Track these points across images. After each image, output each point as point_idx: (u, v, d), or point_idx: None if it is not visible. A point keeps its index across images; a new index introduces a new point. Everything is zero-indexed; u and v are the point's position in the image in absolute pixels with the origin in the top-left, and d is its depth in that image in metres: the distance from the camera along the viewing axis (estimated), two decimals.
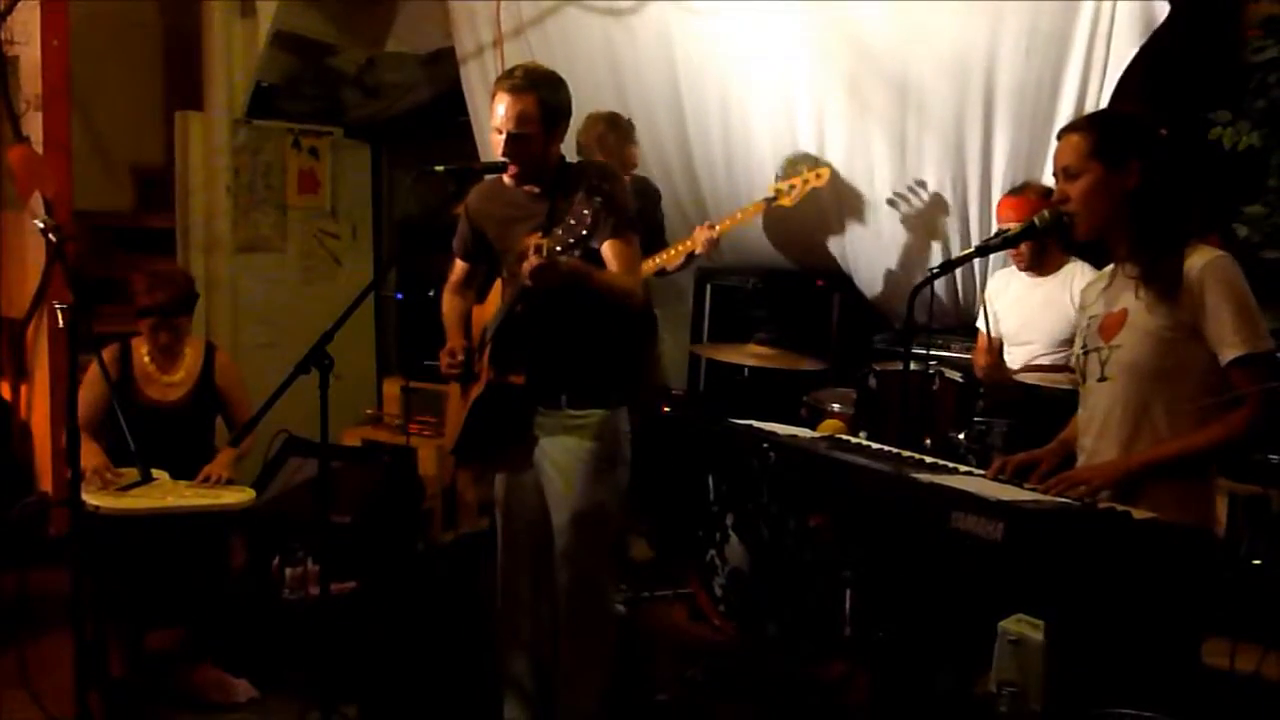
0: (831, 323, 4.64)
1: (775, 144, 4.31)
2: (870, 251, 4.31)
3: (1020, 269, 3.68)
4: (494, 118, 2.78)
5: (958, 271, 4.06)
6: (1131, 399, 2.18)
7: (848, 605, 3.51)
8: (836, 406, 3.91)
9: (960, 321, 4.21)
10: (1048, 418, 2.76)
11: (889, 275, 4.30)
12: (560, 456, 2.86)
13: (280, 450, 3.94)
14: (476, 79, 5.02)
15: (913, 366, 3.32)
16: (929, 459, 2.41)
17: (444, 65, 5.32)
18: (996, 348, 3.75)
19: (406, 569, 4.08)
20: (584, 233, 2.51)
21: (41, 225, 3.17)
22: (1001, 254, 3.59)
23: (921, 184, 4.03)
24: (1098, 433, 2.26)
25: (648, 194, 4.14)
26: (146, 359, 3.65)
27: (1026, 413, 3.27)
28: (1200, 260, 2.11)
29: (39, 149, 4.61)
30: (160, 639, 3.55)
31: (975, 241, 3.95)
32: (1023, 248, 3.53)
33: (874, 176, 4.11)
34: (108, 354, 3.52)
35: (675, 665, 3.62)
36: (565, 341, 2.82)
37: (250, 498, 3.45)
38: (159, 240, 5.34)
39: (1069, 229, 2.27)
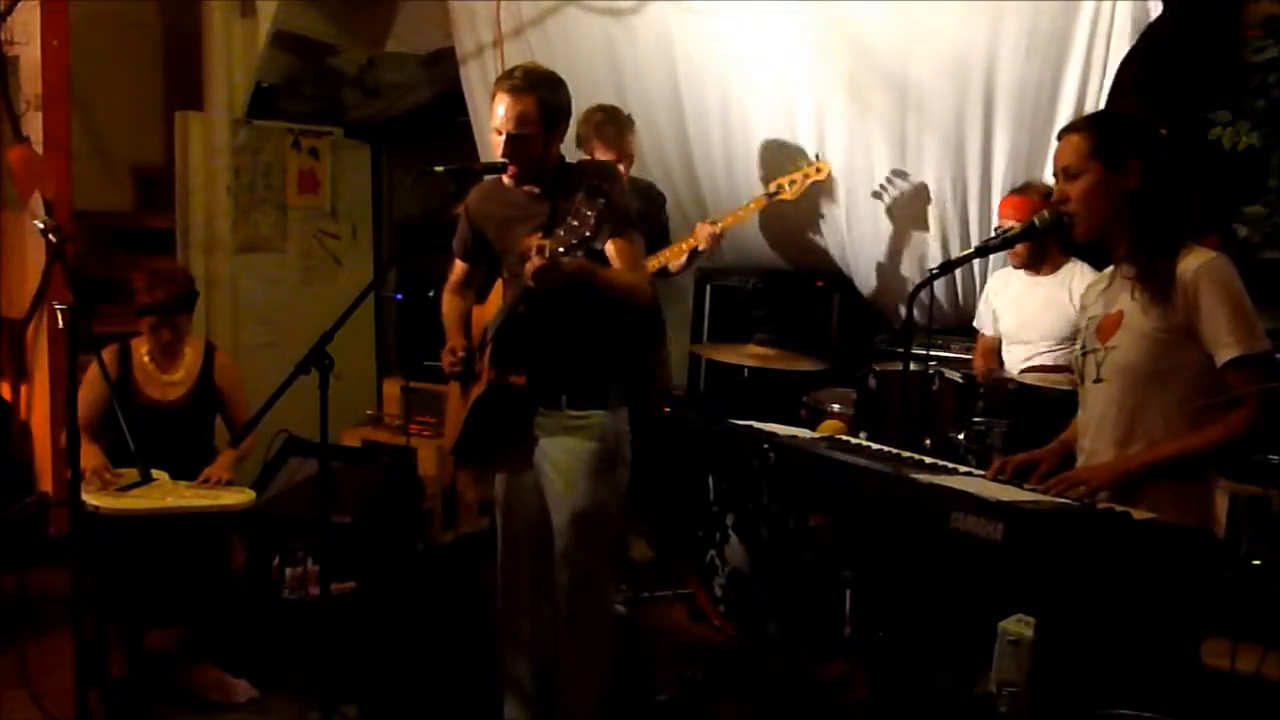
0: (831, 323, 4.64)
1: (775, 144, 4.31)
2: (870, 251, 4.31)
3: (1016, 267, 3.69)
4: (494, 118, 2.78)
5: (957, 272, 4.06)
6: (1126, 401, 2.18)
7: (848, 605, 3.51)
8: (836, 407, 3.91)
9: (960, 322, 4.21)
10: (1047, 418, 2.76)
11: (880, 269, 4.30)
12: (560, 457, 2.86)
13: (280, 450, 3.94)
14: (476, 79, 5.02)
15: (912, 367, 3.31)
16: (929, 459, 2.41)
17: (444, 65, 5.32)
18: (995, 347, 3.76)
19: (406, 569, 4.08)
20: (587, 234, 2.51)
21: (41, 225, 3.17)
22: (1001, 253, 3.59)
23: (901, 174, 4.02)
24: (1094, 434, 2.26)
25: (652, 198, 4.13)
26: (146, 358, 3.65)
27: (1026, 413, 3.27)
28: (1195, 262, 2.11)
29: (39, 149, 4.61)
30: (160, 639, 3.55)
31: (975, 241, 3.96)
32: (1020, 247, 3.54)
33: (874, 176, 4.11)
34: (107, 354, 3.52)
35: (675, 665, 3.62)
36: (566, 342, 2.82)
37: (250, 498, 3.45)
38: (159, 240, 5.34)
39: (1069, 229, 2.27)
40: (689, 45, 4.32)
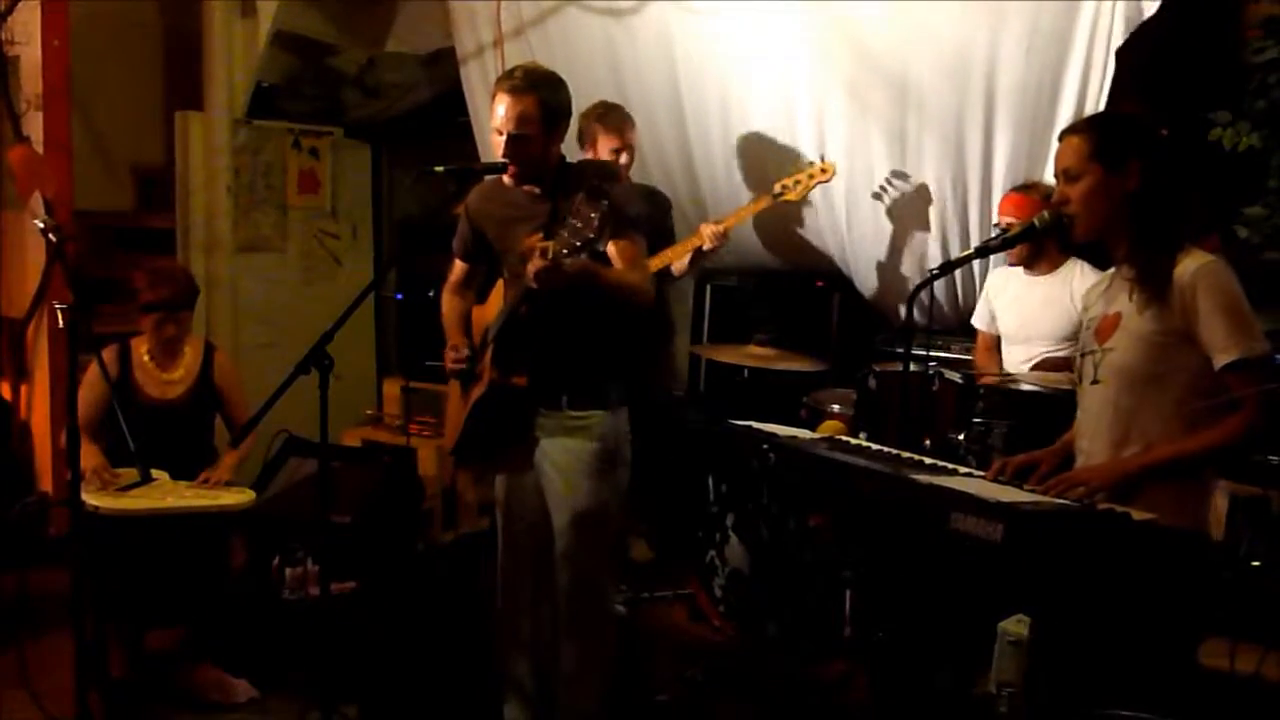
0: (831, 323, 4.64)
1: (775, 144, 4.31)
2: (870, 253, 4.31)
3: (1013, 265, 3.70)
4: (494, 118, 2.78)
5: (957, 272, 4.06)
6: (1122, 402, 2.19)
7: (848, 605, 3.51)
8: (836, 407, 3.91)
9: (960, 322, 4.21)
10: (1048, 419, 2.76)
11: (880, 269, 4.31)
12: (561, 457, 2.86)
13: (280, 450, 3.95)
14: (477, 79, 5.02)
15: (912, 367, 3.31)
16: (928, 460, 2.41)
17: (444, 65, 5.32)
18: (994, 344, 3.77)
19: (406, 569, 4.08)
20: (590, 236, 2.50)
21: (42, 225, 3.17)
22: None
23: (901, 175, 4.02)
24: (1091, 435, 2.26)
25: (656, 201, 4.14)
26: (146, 358, 3.65)
27: (1026, 414, 3.27)
28: (1192, 265, 2.11)
29: (39, 149, 4.62)
30: (160, 639, 3.55)
31: (975, 241, 3.96)
32: (1018, 246, 3.54)
33: (874, 176, 4.11)
34: (107, 354, 3.52)
35: (675, 666, 3.62)
36: (567, 342, 2.82)
37: (250, 499, 3.45)
38: (159, 240, 5.34)
39: (1069, 230, 2.27)
40: (689, 45, 4.32)
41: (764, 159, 4.36)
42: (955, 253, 3.99)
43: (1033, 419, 3.18)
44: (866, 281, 4.41)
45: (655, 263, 3.91)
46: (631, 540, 4.45)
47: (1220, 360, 2.07)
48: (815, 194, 4.08)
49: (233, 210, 5.42)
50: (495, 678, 3.09)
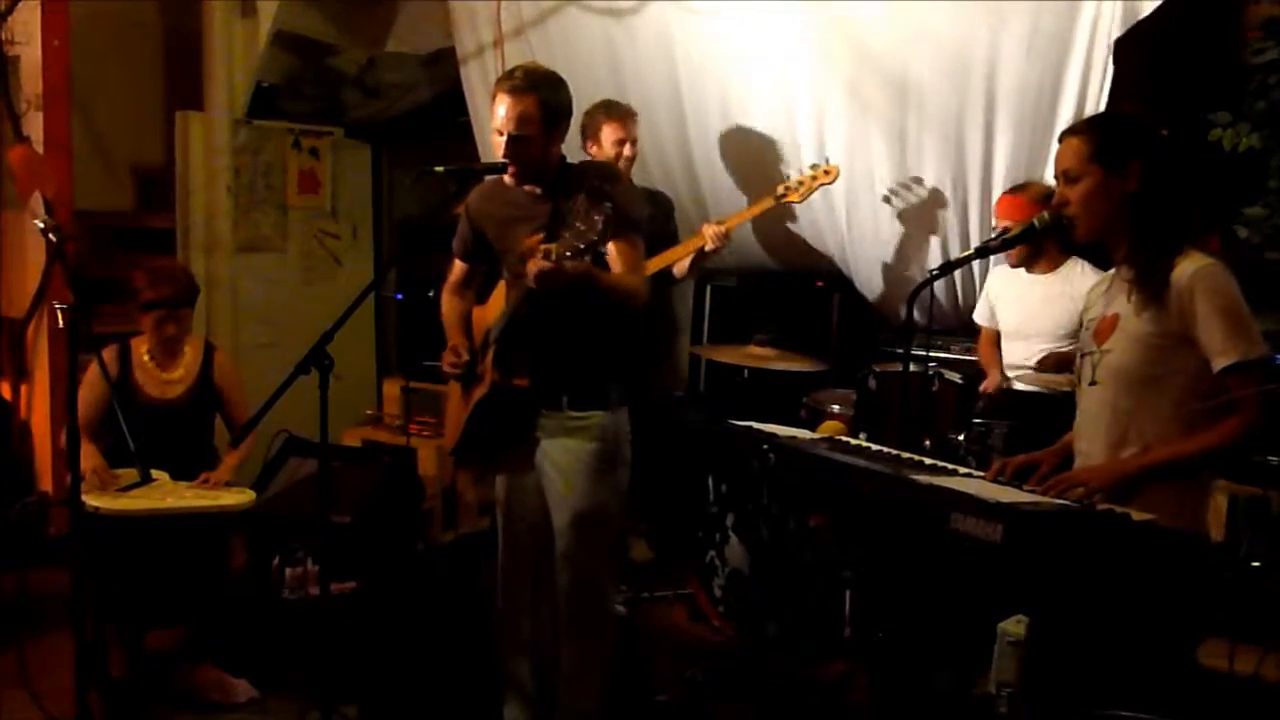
0: (831, 323, 4.64)
1: (775, 144, 4.31)
2: (870, 253, 4.31)
3: (1013, 266, 3.71)
4: (494, 119, 2.77)
5: (957, 272, 4.06)
6: (1120, 404, 2.18)
7: (848, 605, 3.51)
8: (836, 407, 3.91)
9: (960, 321, 4.21)
10: (1048, 420, 2.76)
11: (880, 269, 4.31)
12: (561, 458, 2.86)
13: (280, 450, 3.94)
14: (477, 79, 5.02)
15: (912, 368, 3.32)
16: (928, 460, 2.41)
17: (444, 65, 5.32)
18: (996, 339, 3.78)
19: (406, 569, 4.08)
20: (593, 239, 2.50)
21: (42, 225, 3.17)
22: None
23: (917, 180, 4.02)
24: (1088, 436, 2.26)
25: (659, 204, 4.14)
26: (146, 357, 3.65)
27: (1026, 414, 3.27)
28: (1190, 268, 2.11)
29: (39, 149, 4.62)
30: (160, 639, 3.55)
31: (975, 242, 3.96)
32: (1016, 248, 3.55)
33: (874, 177, 4.11)
34: (107, 354, 3.52)
35: (675, 666, 3.62)
36: (568, 343, 2.82)
37: (250, 499, 3.45)
38: (159, 240, 5.33)
39: (1069, 231, 2.27)
40: (689, 45, 4.31)
41: (762, 158, 4.36)
42: (955, 253, 3.99)
43: (1033, 419, 3.19)
44: (867, 282, 4.42)
45: (657, 263, 3.91)
46: (631, 540, 4.45)
47: (1218, 363, 2.07)
48: (816, 194, 4.08)
49: (233, 210, 5.42)
50: (495, 678, 3.09)
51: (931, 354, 3.77)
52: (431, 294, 3.30)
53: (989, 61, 3.66)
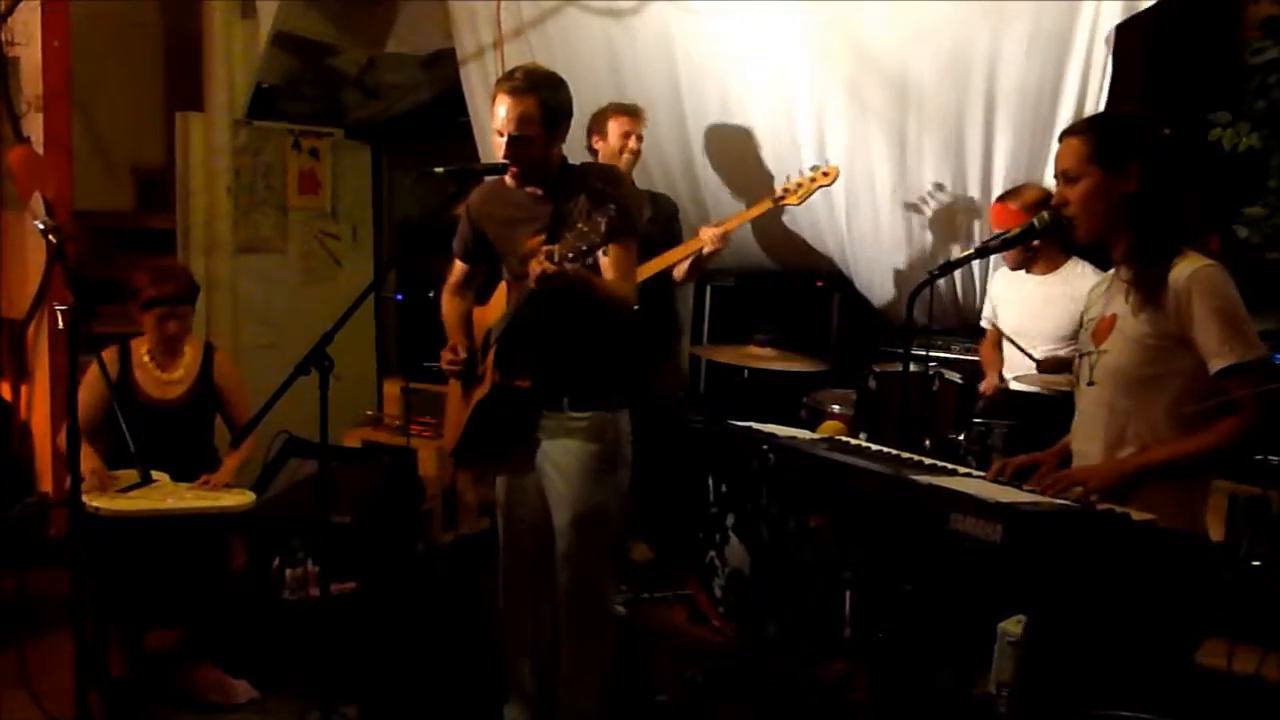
0: (831, 323, 4.64)
1: (775, 144, 4.31)
2: (870, 253, 4.31)
3: (1012, 269, 3.71)
4: (495, 120, 2.77)
5: (957, 272, 4.06)
6: (1116, 404, 2.18)
7: (848, 606, 3.51)
8: (836, 407, 3.92)
9: (960, 321, 4.21)
10: (1048, 420, 2.76)
11: (879, 269, 4.30)
12: (561, 458, 2.86)
13: (280, 451, 3.94)
14: (477, 80, 5.02)
15: (912, 368, 3.32)
16: (928, 460, 2.41)
17: (444, 66, 5.32)
18: (999, 340, 3.78)
19: (406, 570, 4.09)
20: (597, 240, 2.50)
21: (42, 226, 3.17)
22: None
23: (941, 187, 4.02)
24: (1086, 436, 2.26)
25: (661, 206, 4.15)
26: (146, 358, 3.65)
27: (1026, 415, 3.27)
28: (1187, 269, 2.11)
29: (40, 149, 4.62)
30: (160, 639, 3.55)
31: (975, 242, 3.96)
32: (1012, 250, 3.56)
33: (874, 177, 4.11)
34: (107, 355, 3.52)
35: (675, 666, 3.62)
36: (569, 344, 2.82)
37: (250, 500, 3.45)
38: (159, 241, 5.34)
39: (1069, 231, 2.27)
40: (689, 45, 4.32)
41: (762, 159, 4.36)
42: (955, 253, 3.99)
43: (1033, 420, 3.19)
44: (867, 282, 4.42)
45: (656, 265, 3.91)
46: (632, 541, 4.45)
47: (1215, 364, 2.07)
48: (815, 194, 4.08)
49: (233, 211, 5.42)
50: (495, 678, 3.09)
51: (931, 354, 3.77)
52: (431, 295, 3.31)
53: (989, 61, 3.66)
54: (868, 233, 4.25)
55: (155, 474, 3.38)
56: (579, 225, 2.52)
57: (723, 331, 4.85)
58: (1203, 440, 2.09)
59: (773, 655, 3.58)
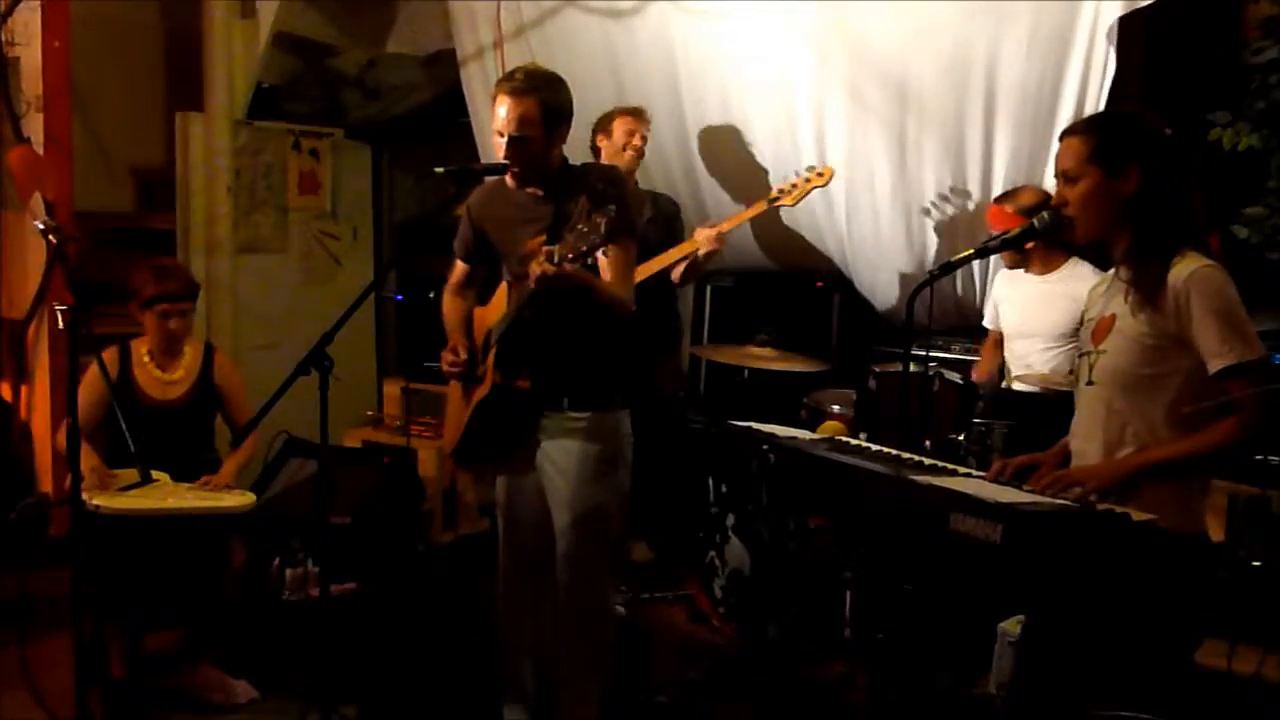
0: (831, 323, 4.64)
1: (775, 144, 4.31)
2: (870, 252, 4.31)
3: (1010, 268, 3.72)
4: (495, 120, 2.78)
5: (957, 272, 4.05)
6: (1115, 404, 2.18)
7: (848, 606, 3.52)
8: (837, 408, 3.92)
9: (960, 321, 4.21)
10: (1048, 420, 2.76)
11: (879, 269, 4.30)
12: (561, 458, 2.86)
13: (280, 451, 3.94)
14: (477, 80, 5.03)
15: (913, 368, 3.32)
16: (928, 461, 2.42)
17: (444, 66, 5.33)
18: (999, 340, 3.79)
19: (406, 570, 4.09)
20: (597, 241, 2.50)
21: (42, 226, 3.17)
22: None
23: (960, 193, 4.01)
24: (1084, 435, 2.26)
25: (665, 207, 4.15)
26: (146, 358, 3.65)
27: (1027, 415, 3.27)
28: (1185, 270, 2.10)
29: (40, 150, 4.61)
30: (160, 639, 3.54)
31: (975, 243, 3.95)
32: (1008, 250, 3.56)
33: (874, 177, 4.11)
34: (107, 355, 3.52)
35: (675, 666, 3.62)
36: (569, 345, 2.82)
37: (250, 501, 3.45)
38: (159, 241, 5.33)
39: (1069, 231, 2.27)
40: (689, 45, 4.32)
41: (761, 159, 4.36)
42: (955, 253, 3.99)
43: (1033, 420, 3.19)
44: (867, 282, 4.42)
45: (653, 265, 3.91)
46: (632, 541, 4.45)
47: (1214, 365, 2.07)
48: (815, 195, 4.08)
49: (233, 211, 5.42)
50: (495, 678, 3.09)
51: (931, 354, 3.77)
52: (432, 295, 3.30)
53: (989, 61, 3.66)
54: (868, 234, 4.26)
55: (155, 474, 3.38)
56: (579, 226, 2.52)
57: (723, 331, 4.85)
58: (1202, 440, 2.09)
59: (773, 655, 3.58)
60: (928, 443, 3.29)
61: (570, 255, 2.51)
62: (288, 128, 5.65)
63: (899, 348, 4.15)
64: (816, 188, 3.98)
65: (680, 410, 4.53)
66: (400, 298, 5.84)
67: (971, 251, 2.60)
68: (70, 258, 3.35)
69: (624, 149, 3.98)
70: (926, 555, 2.30)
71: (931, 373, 3.52)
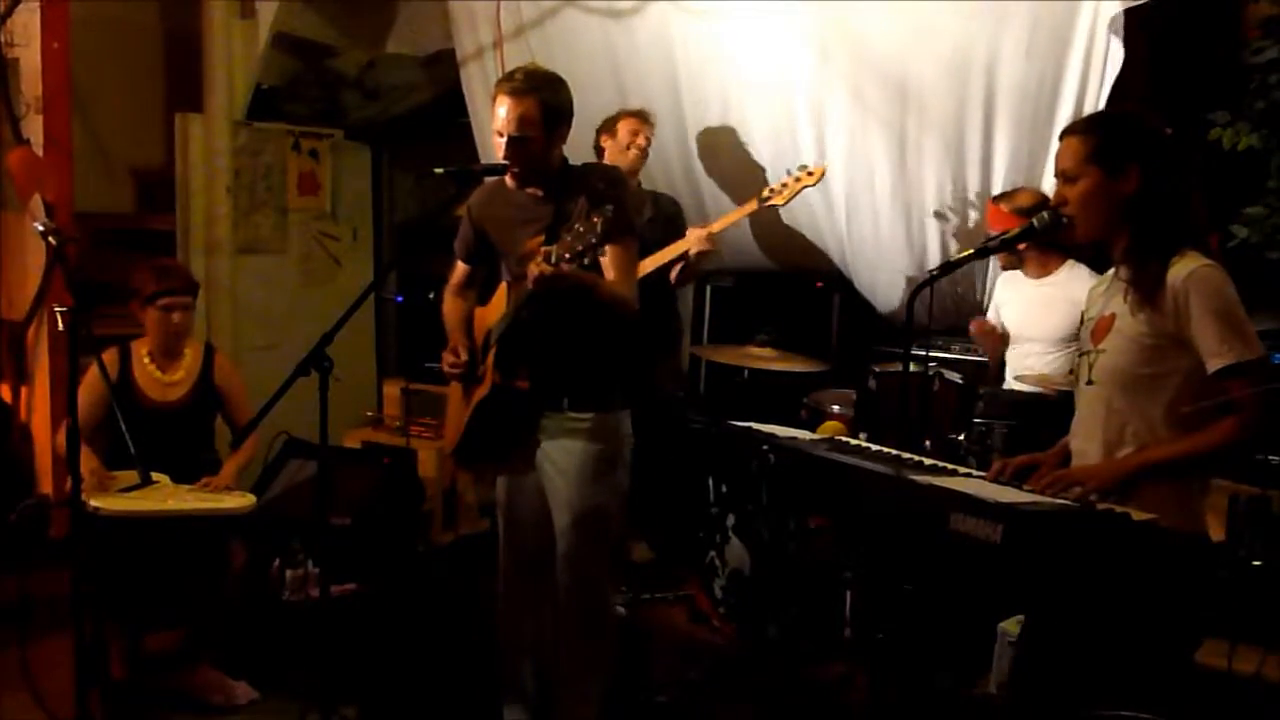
0: (831, 323, 4.64)
1: (775, 144, 4.31)
2: (870, 252, 4.30)
3: (1004, 269, 3.72)
4: (495, 120, 2.78)
5: (958, 273, 4.05)
6: (1114, 403, 2.18)
7: (848, 606, 3.52)
8: (837, 408, 3.92)
9: (960, 321, 4.21)
10: (1048, 420, 2.76)
11: (879, 269, 4.30)
12: (561, 458, 2.86)
13: (280, 452, 3.94)
14: (477, 80, 5.03)
15: (913, 368, 3.32)
16: (928, 461, 2.41)
17: (444, 67, 5.32)
18: (1000, 335, 3.79)
19: (406, 570, 4.09)
20: (594, 241, 2.50)
21: (41, 227, 3.17)
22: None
23: (956, 207, 4.01)
24: (1084, 435, 2.26)
25: (666, 207, 4.15)
26: (146, 359, 3.65)
27: (1027, 415, 3.27)
28: (1184, 270, 2.10)
29: (39, 151, 4.61)
30: (160, 640, 3.54)
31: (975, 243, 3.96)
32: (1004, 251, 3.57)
33: (874, 178, 4.11)
34: (107, 356, 3.52)
35: (675, 666, 3.62)
36: (569, 345, 2.82)
37: (250, 503, 3.44)
38: (159, 242, 5.33)
39: (1069, 231, 2.27)
40: (689, 45, 4.32)
41: (760, 158, 4.36)
42: (955, 253, 3.99)
43: (1033, 420, 3.19)
44: (867, 282, 4.41)
45: (647, 264, 3.91)
46: (632, 541, 4.45)
47: (1213, 365, 2.07)
48: (815, 195, 4.08)
49: (233, 212, 5.41)
50: (495, 678, 3.09)
51: (931, 354, 3.77)
52: (432, 296, 3.31)
53: (989, 61, 3.67)
54: (868, 234, 4.26)
55: (155, 475, 3.38)
56: (576, 226, 2.52)
57: (723, 331, 4.85)
58: (1201, 440, 2.09)
59: (773, 655, 3.58)
60: (928, 443, 3.29)
61: (568, 256, 2.51)
62: (287, 128, 5.65)
63: (899, 348, 4.15)
64: (807, 187, 3.97)
65: (680, 410, 4.52)
66: (400, 298, 5.84)
67: (971, 251, 2.60)
68: (70, 259, 3.35)
69: (628, 149, 4.00)
70: (926, 555, 2.30)
71: (931, 373, 3.52)
